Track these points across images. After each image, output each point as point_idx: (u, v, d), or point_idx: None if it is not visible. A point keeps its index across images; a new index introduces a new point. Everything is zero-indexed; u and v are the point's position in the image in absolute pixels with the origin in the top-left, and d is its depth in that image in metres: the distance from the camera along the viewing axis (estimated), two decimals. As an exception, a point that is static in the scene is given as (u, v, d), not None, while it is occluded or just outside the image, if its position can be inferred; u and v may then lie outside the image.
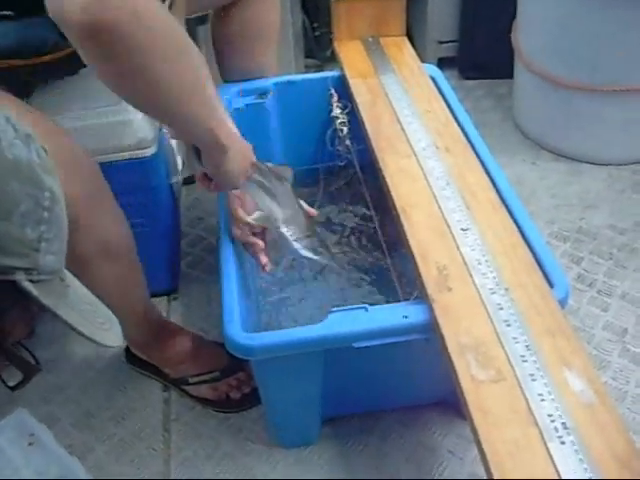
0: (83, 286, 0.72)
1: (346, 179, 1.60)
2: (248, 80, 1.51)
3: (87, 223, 1.06)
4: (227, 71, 1.54)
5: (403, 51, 1.60)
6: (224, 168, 1.07)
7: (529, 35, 1.91)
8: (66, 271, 0.69)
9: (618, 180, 1.84)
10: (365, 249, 1.53)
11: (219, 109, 1.00)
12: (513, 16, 1.96)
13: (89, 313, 0.70)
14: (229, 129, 1.05)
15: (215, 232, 1.60)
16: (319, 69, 2.28)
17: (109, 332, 0.72)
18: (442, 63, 2.20)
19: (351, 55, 1.58)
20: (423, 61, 1.57)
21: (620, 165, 1.88)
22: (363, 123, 1.37)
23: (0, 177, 0.60)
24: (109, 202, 1.16)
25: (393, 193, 1.18)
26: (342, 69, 1.55)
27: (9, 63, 1.15)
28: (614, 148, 1.88)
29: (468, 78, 2.24)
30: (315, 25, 2.27)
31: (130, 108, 1.30)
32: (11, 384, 0.76)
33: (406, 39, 1.64)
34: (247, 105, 1.51)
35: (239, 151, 1.08)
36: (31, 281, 0.63)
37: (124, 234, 1.20)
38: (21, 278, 0.62)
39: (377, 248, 1.46)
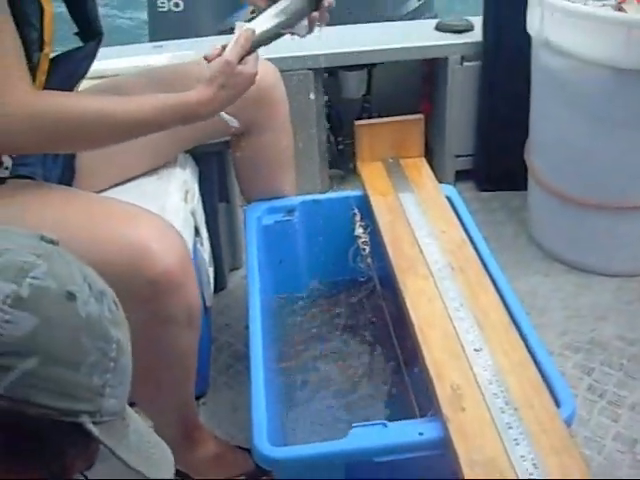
0: (142, 422, 0.78)
1: (366, 292, 1.69)
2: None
3: (180, 283, 1.16)
4: (247, 192, 1.68)
5: (421, 172, 1.71)
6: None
7: (541, 154, 2.01)
8: (128, 408, 0.75)
9: (627, 292, 1.91)
10: (382, 361, 1.60)
11: None
12: (526, 133, 2.06)
13: (146, 450, 0.75)
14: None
15: (243, 339, 1.68)
16: (342, 179, 2.40)
17: (163, 468, 0.77)
18: (459, 175, 2.31)
19: (373, 176, 1.70)
20: (441, 174, 1.67)
21: (629, 277, 1.95)
22: (384, 245, 1.47)
23: (72, 333, 0.67)
24: (193, 271, 1.25)
25: (412, 313, 1.28)
26: (364, 188, 1.67)
27: None
28: (623, 261, 1.96)
29: (484, 190, 2.32)
30: (339, 139, 2.41)
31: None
32: None
33: (424, 160, 1.75)
34: (276, 222, 1.63)
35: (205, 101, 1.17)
36: (94, 423, 0.67)
37: (200, 305, 1.28)
38: (85, 420, 0.67)
39: (394, 361, 1.54)
